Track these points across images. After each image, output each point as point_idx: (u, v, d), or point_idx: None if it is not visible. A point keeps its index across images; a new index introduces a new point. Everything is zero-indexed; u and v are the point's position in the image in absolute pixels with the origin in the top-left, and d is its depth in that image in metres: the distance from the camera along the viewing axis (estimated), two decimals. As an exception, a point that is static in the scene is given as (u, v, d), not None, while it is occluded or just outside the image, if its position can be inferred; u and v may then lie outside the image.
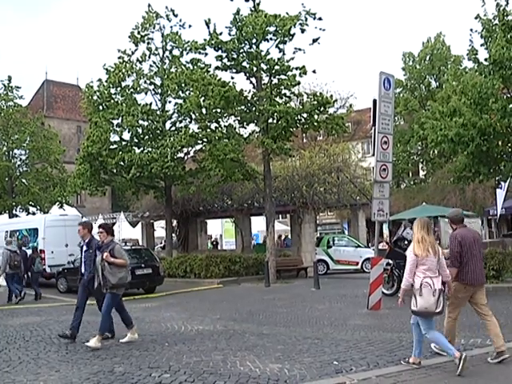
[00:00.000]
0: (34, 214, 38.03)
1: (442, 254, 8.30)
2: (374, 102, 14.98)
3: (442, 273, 8.14)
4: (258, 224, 36.76)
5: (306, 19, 23.63)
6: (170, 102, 29.89)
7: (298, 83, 24.57)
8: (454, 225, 9.09)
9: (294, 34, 23.79)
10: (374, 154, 15.10)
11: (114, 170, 29.70)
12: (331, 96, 26.01)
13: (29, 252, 22.84)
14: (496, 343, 8.34)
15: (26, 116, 39.86)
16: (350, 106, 53.38)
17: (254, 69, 24.28)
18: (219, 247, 46.45)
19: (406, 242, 17.90)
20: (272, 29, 23.79)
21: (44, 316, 15.00)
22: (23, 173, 40.44)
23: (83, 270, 11.37)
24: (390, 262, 17.38)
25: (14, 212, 39.03)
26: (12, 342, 11.12)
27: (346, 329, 11.81)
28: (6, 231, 28.69)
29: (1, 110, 38.90)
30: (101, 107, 29.37)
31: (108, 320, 10.90)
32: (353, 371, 7.91)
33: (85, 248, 11.27)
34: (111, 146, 28.81)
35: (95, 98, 29.42)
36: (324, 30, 23.70)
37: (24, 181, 39.94)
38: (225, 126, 26.31)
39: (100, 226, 11.32)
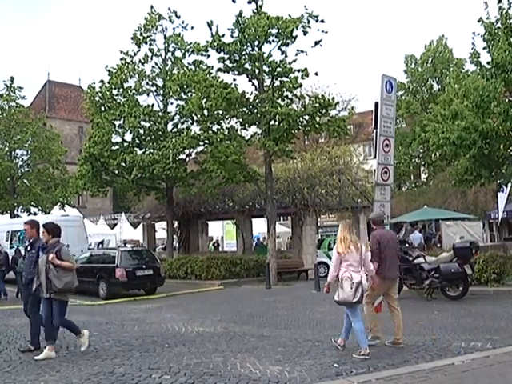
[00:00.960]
0: (35, 214, 38.08)
1: (366, 251, 9.43)
2: (376, 104, 15.02)
3: (366, 267, 9.25)
4: (259, 226, 36.73)
5: (309, 21, 23.64)
6: (171, 103, 29.97)
7: (300, 85, 24.58)
8: (375, 226, 10.31)
9: (297, 36, 23.82)
10: (375, 157, 15.13)
11: (116, 171, 29.73)
12: (333, 98, 25.99)
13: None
14: (397, 334, 9.73)
15: (28, 116, 39.99)
16: (352, 108, 53.60)
17: (256, 71, 24.29)
18: (220, 249, 46.43)
19: (407, 245, 17.93)
20: (274, 31, 23.79)
21: (44, 316, 14.98)
22: (25, 173, 40.55)
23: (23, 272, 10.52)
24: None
25: (15, 212, 39.10)
26: (13, 341, 11.12)
27: (346, 331, 11.81)
28: (8, 231, 28.77)
29: (3, 110, 39.04)
30: (103, 108, 29.42)
31: (55, 329, 10.01)
32: (353, 374, 7.89)
33: (28, 248, 10.60)
34: (113, 147, 28.86)
35: (97, 98, 29.47)
36: (326, 32, 23.71)
37: (26, 181, 40.04)
38: (226, 127, 26.34)
39: (43, 226, 10.54)
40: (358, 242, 9.31)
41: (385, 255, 9.77)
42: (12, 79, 39.25)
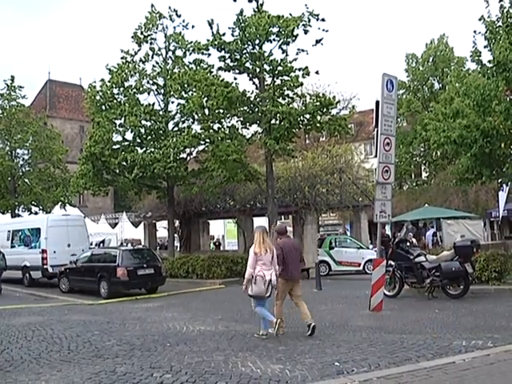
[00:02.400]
0: (36, 213, 38.09)
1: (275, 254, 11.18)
2: (377, 103, 14.97)
3: (274, 268, 11.06)
4: (260, 224, 36.74)
5: (309, 20, 23.66)
6: (172, 102, 29.90)
7: (301, 84, 24.62)
8: (279, 235, 12.09)
9: (297, 34, 23.84)
10: (376, 156, 15.08)
11: (117, 170, 29.71)
12: (334, 97, 26.02)
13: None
14: (305, 319, 11.40)
15: (29, 116, 39.92)
16: (353, 107, 53.55)
17: (257, 69, 24.33)
18: (221, 248, 46.44)
19: (408, 244, 17.92)
20: (275, 30, 23.82)
21: (46, 316, 15.01)
22: (26, 172, 40.50)
23: None
24: (392, 263, 17.38)
25: (16, 212, 39.10)
26: (14, 341, 11.13)
27: (347, 330, 11.83)
28: (9, 231, 28.75)
29: (4, 109, 38.98)
30: (103, 107, 29.40)
31: None
32: (354, 372, 7.89)
33: None
34: (114, 146, 28.84)
35: (98, 98, 29.45)
36: (327, 31, 23.76)
37: (27, 180, 40.01)
38: (227, 126, 26.35)
39: None
40: (271, 245, 11.24)
41: (287, 260, 11.40)
42: (13, 78, 39.19)
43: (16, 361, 9.26)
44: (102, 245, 37.44)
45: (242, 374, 7.90)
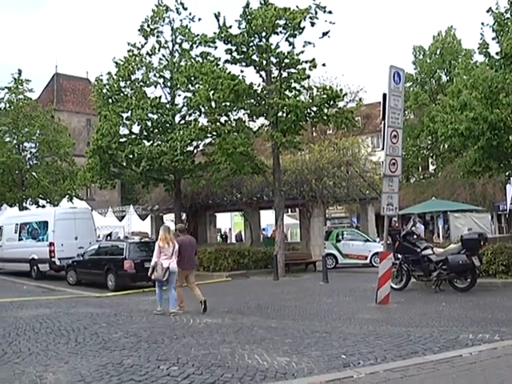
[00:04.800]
0: (43, 206, 38.18)
1: (176, 246, 13.93)
2: (384, 95, 14.93)
3: (173, 258, 13.84)
4: (267, 217, 36.75)
5: (316, 12, 23.56)
6: (179, 95, 29.88)
7: (308, 77, 24.55)
8: (180, 233, 14.97)
9: (304, 27, 23.74)
10: (383, 148, 15.06)
11: (124, 163, 29.73)
12: (341, 90, 25.93)
13: None
14: (198, 298, 14.07)
15: (36, 109, 39.98)
16: (360, 99, 53.40)
17: (264, 62, 24.26)
18: (228, 240, 46.48)
19: (414, 237, 17.88)
20: (282, 22, 23.73)
21: (54, 308, 15.06)
22: (33, 166, 40.61)
23: None
24: (399, 256, 17.37)
25: (24, 205, 39.22)
26: (22, 333, 11.16)
27: (354, 323, 11.82)
28: (17, 224, 28.86)
29: (11, 103, 39.04)
30: (110, 100, 29.42)
31: None
32: (360, 365, 7.88)
33: None
34: (121, 140, 28.83)
35: (105, 91, 29.47)
36: (334, 23, 23.65)
37: (34, 174, 40.10)
38: (234, 119, 26.30)
39: None
40: (172, 239, 14.02)
41: (183, 254, 14.14)
42: (20, 72, 39.24)
43: (24, 352, 9.29)
44: (109, 238, 37.52)
45: (248, 367, 7.91)
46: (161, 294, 14.04)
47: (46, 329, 11.41)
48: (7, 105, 39.29)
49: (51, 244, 25.56)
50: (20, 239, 28.20)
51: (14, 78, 38.99)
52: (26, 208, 38.67)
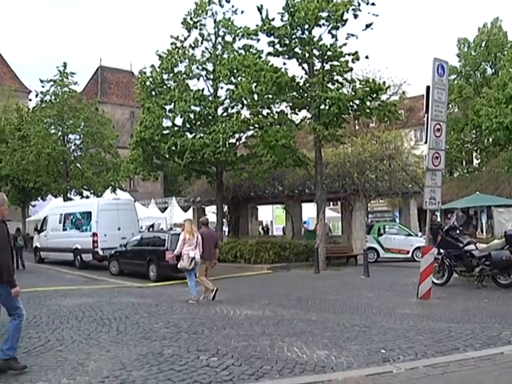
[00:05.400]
0: (87, 197, 38.76)
1: (200, 238, 15.08)
2: (428, 88, 14.75)
3: (198, 249, 14.90)
4: (308, 210, 36.69)
5: (359, 4, 23.33)
6: (221, 87, 29.93)
7: (351, 69, 24.34)
8: (202, 225, 16.16)
9: (347, 19, 23.52)
10: (426, 142, 14.89)
11: (167, 155, 29.92)
12: (384, 82, 25.73)
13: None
14: (209, 288, 14.95)
15: (81, 102, 40.55)
16: (403, 92, 52.86)
17: (307, 55, 24.14)
18: (270, 233, 46.52)
19: (457, 232, 17.65)
20: (324, 14, 23.56)
21: (96, 297, 15.29)
22: (78, 157, 41.27)
23: None
24: (441, 251, 17.18)
25: (68, 195, 39.86)
26: (65, 321, 11.37)
27: (394, 317, 11.74)
28: (61, 214, 29.34)
29: (56, 95, 39.69)
30: (154, 93, 29.63)
31: None
32: (400, 360, 7.86)
33: None
34: (164, 132, 29.00)
35: (148, 83, 29.68)
36: (377, 15, 23.36)
37: (78, 165, 40.77)
38: (276, 112, 26.24)
39: None
40: (195, 231, 15.22)
41: (204, 246, 15.21)
42: (65, 65, 39.83)
43: (66, 340, 9.47)
44: (151, 229, 37.87)
45: (287, 359, 7.94)
46: (193, 283, 14.88)
47: (88, 317, 11.62)
48: (53, 97, 39.98)
49: (94, 234, 25.92)
50: (64, 229, 28.66)
51: (60, 71, 39.63)
52: (71, 199, 39.31)
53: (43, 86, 40.28)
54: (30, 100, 60.01)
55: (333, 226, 44.31)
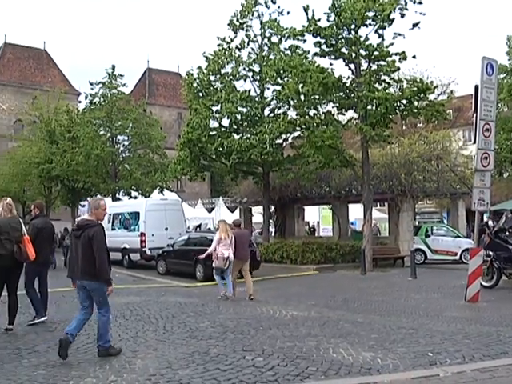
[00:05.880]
0: (135, 198, 39.21)
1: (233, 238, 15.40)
2: (476, 88, 14.56)
3: (231, 249, 15.23)
4: (355, 211, 36.50)
5: (406, 3, 23.15)
6: (268, 88, 29.96)
7: (398, 69, 24.14)
8: (235, 226, 16.46)
9: (394, 18, 23.35)
10: (475, 142, 14.70)
11: (214, 156, 30.09)
12: (431, 82, 25.35)
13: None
14: (249, 291, 15.39)
15: (129, 103, 41.09)
16: (451, 92, 52.05)
17: (353, 55, 24.04)
18: (316, 234, 46.40)
19: (507, 233, 17.38)
20: (371, 14, 23.42)
21: (143, 296, 15.47)
22: (126, 158, 41.82)
23: None
24: (490, 253, 16.93)
25: (116, 196, 40.43)
26: (113, 320, 11.47)
27: (441, 320, 11.61)
28: (110, 214, 29.72)
29: (105, 97, 40.30)
30: (201, 94, 29.84)
31: None
32: (447, 364, 7.76)
33: None
34: (211, 133, 29.15)
35: (195, 85, 29.90)
36: (424, 14, 23.13)
37: (127, 166, 41.31)
38: (323, 112, 26.16)
39: None
40: (229, 232, 15.53)
41: (238, 246, 15.46)
42: (113, 67, 40.43)
43: (114, 338, 9.59)
44: (198, 229, 38.13)
45: (333, 361, 7.92)
46: (221, 281, 15.58)
47: (135, 316, 11.76)
48: (102, 99, 40.62)
49: (142, 234, 26.25)
50: (113, 229, 29.04)
51: (108, 74, 40.24)
52: (119, 199, 39.83)
53: (92, 89, 41.05)
54: (80, 102, 61.42)
55: (380, 227, 44.00)
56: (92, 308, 8.52)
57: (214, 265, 15.54)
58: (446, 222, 40.96)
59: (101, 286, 8.29)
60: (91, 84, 40.81)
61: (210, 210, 51.86)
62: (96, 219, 8.42)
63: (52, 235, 12.23)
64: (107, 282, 8.31)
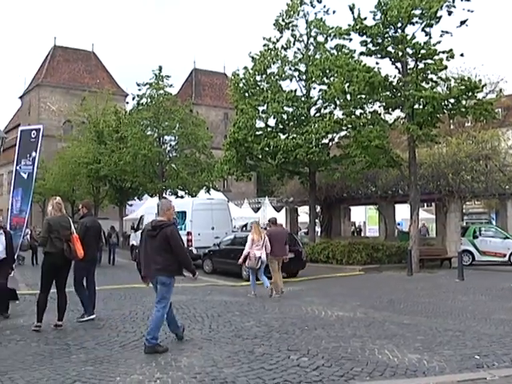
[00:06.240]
0: (182, 197, 39.57)
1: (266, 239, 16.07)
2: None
3: (265, 249, 15.94)
4: (402, 212, 36.18)
5: (453, 1, 22.83)
6: (314, 88, 29.87)
7: (445, 67, 23.82)
8: (272, 225, 17.54)
9: (441, 16, 23.05)
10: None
11: (260, 156, 30.14)
12: (480, 80, 24.97)
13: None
14: (279, 287, 15.97)
15: (176, 104, 41.51)
16: (500, 90, 51.06)
17: (400, 53, 23.82)
18: (362, 234, 46.16)
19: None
20: (418, 12, 23.17)
21: (190, 295, 15.61)
22: (173, 158, 42.23)
23: None
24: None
25: (164, 195, 40.84)
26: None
27: (489, 323, 11.46)
28: (156, 213, 30.06)
29: (152, 98, 40.78)
30: (247, 94, 29.91)
31: None
32: (495, 367, 7.68)
33: None
34: (257, 133, 29.18)
35: (241, 85, 29.99)
36: (472, 11, 22.74)
37: (173, 166, 41.72)
38: (369, 112, 25.96)
39: None
40: (262, 233, 16.31)
41: (274, 243, 16.15)
42: (160, 68, 40.89)
43: (160, 336, 9.73)
44: (244, 228, 38.26)
45: (378, 362, 7.91)
46: (254, 281, 16.32)
47: (181, 315, 11.86)
48: (149, 100, 41.10)
49: (189, 233, 26.43)
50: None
51: (155, 75, 40.73)
52: (166, 198, 40.19)
53: (140, 89, 41.61)
54: (127, 103, 62.22)
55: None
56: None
57: (247, 264, 16.37)
58: (494, 222, 40.28)
59: (171, 282, 9.04)
60: (138, 85, 41.40)
61: (256, 210, 52.04)
62: (167, 219, 9.20)
63: (99, 233, 12.48)
64: (193, 272, 9.31)
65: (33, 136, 17.99)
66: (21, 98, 78.61)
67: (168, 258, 8.83)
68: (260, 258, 15.88)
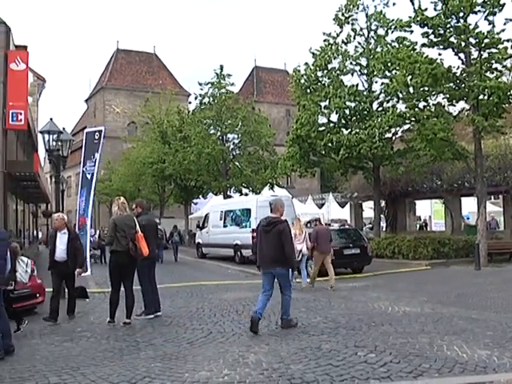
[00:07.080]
0: (246, 195, 39.78)
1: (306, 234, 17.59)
2: None
3: (306, 243, 17.31)
4: (468, 205, 35.55)
5: (517, -13, 22.32)
6: (376, 82, 29.58)
7: (510, 56, 23.28)
8: (317, 223, 19.04)
9: (504, 3, 22.46)
10: None
11: (323, 152, 30.04)
12: (548, 69, 24.34)
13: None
14: (331, 281, 16.91)
15: (238, 102, 41.75)
16: None
17: (463, 44, 23.36)
18: (428, 228, 45.54)
19: None
20: (480, 0, 22.73)
21: (255, 292, 15.55)
22: (236, 156, 42.52)
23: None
24: None
25: (228, 193, 41.21)
26: (226, 314, 11.88)
27: (562, 317, 11.18)
28: (221, 211, 30.39)
29: (214, 97, 41.19)
30: (308, 90, 29.83)
31: None
32: None
33: None
34: (319, 128, 29.07)
35: (302, 81, 29.92)
36: (537, -3, 22.22)
37: (237, 163, 42.00)
38: (433, 104, 25.53)
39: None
40: (303, 228, 18.00)
41: (320, 240, 17.18)
42: (221, 67, 41.26)
43: (228, 333, 9.90)
44: (309, 225, 38.21)
45: (447, 358, 7.83)
46: (306, 272, 17.76)
47: (248, 311, 11.98)
48: (211, 99, 41.54)
49: (254, 230, 26.56)
50: (225, 226, 29.65)
51: (217, 74, 41.10)
52: (230, 196, 40.56)
53: (202, 89, 42.14)
54: (190, 103, 63.02)
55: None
56: (272, 291, 10.37)
57: None
58: None
59: (287, 272, 10.38)
60: (200, 84, 41.88)
61: (321, 206, 51.88)
62: (280, 215, 10.38)
63: (156, 231, 12.78)
64: (293, 266, 10.82)
65: (96, 137, 18.45)
66: (86, 101, 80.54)
67: (282, 251, 9.99)
68: (301, 251, 17.03)
